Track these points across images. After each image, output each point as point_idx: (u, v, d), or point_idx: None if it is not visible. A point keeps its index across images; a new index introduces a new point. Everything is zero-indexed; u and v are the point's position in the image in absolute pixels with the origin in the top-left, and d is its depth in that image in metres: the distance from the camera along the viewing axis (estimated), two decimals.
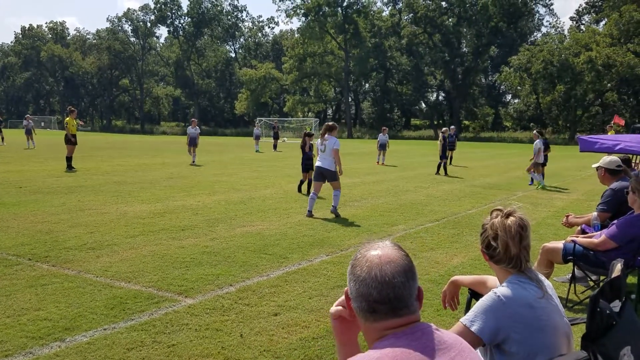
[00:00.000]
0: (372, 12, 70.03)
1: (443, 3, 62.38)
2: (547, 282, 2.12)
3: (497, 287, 2.10)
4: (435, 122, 69.45)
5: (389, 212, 9.74)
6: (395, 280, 1.29)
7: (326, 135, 9.18)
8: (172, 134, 77.40)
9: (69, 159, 16.13)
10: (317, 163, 9.30)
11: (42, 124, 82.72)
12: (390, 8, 72.92)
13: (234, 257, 6.33)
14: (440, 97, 76.23)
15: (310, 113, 76.19)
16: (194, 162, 19.66)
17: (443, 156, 17.60)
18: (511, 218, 2.12)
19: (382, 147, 22.01)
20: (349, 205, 10.49)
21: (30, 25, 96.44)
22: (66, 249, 6.47)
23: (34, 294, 4.85)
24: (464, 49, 67.19)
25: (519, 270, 2.09)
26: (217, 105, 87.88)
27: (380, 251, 1.34)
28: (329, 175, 9.14)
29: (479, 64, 65.01)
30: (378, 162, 21.95)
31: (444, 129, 19.26)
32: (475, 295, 2.73)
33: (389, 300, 1.28)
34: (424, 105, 77.09)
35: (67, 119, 16.73)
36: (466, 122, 69.11)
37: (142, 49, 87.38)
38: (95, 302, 4.66)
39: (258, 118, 56.93)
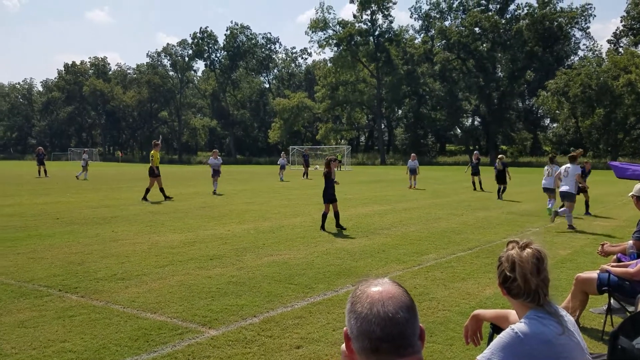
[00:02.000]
0: (404, 39, 70.43)
1: (476, 29, 62.18)
2: (568, 318, 2.01)
3: (516, 323, 2.00)
4: (471, 148, 68.46)
5: (419, 240, 9.55)
6: (398, 317, 1.22)
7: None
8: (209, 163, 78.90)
9: (147, 191, 16.42)
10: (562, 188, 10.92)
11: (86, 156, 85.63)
12: (422, 35, 73.23)
13: (259, 287, 6.29)
14: (476, 122, 75.35)
15: (342, 140, 76.47)
16: (215, 191, 19.60)
17: (499, 181, 18.31)
18: (527, 250, 2.03)
19: (413, 171, 23.33)
20: (378, 233, 10.35)
21: (73, 62, 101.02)
22: (96, 279, 6.57)
23: (61, 325, 4.92)
24: (499, 73, 66.50)
25: (537, 304, 1.99)
26: (251, 135, 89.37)
27: (380, 287, 1.28)
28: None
29: (514, 89, 64.12)
30: (410, 187, 23.00)
31: (500, 155, 20.15)
32: (497, 330, 2.62)
33: (393, 337, 1.21)
34: (459, 130, 76.33)
35: (152, 152, 17.06)
36: (503, 147, 67.87)
37: (180, 83, 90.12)
38: (120, 334, 4.68)
39: (291, 147, 57.50)
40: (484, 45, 63.30)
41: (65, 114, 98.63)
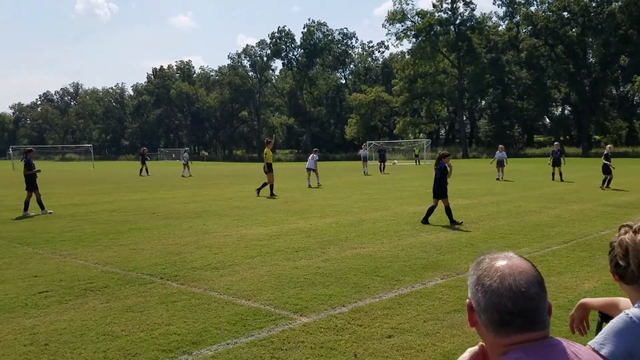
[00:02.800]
0: (486, 27, 67.75)
1: (565, 13, 58.59)
2: None
3: (630, 309, 1.90)
4: (562, 138, 64.70)
5: (510, 234, 9.20)
6: (531, 291, 1.20)
7: None
8: (287, 160, 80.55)
9: (271, 187, 17.07)
10: None
11: (173, 155, 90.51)
12: (506, 22, 69.97)
13: (345, 278, 6.37)
14: (566, 111, 71.09)
15: (421, 134, 74.97)
16: (310, 185, 21.29)
17: (605, 172, 17.70)
18: None
19: (500, 163, 23.01)
20: (465, 226, 10.09)
21: (161, 66, 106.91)
22: (193, 268, 6.95)
23: (165, 310, 5.26)
24: (591, 59, 62.23)
25: None
26: (327, 131, 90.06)
27: (508, 261, 1.26)
28: None
29: (608, 75, 59.73)
30: (498, 179, 22.70)
31: (608, 145, 19.77)
32: (606, 318, 2.49)
33: (524, 312, 1.19)
34: (547, 120, 72.30)
35: (266, 149, 17.66)
36: (596, 137, 63.55)
37: (259, 82, 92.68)
38: (219, 318, 4.93)
39: (367, 142, 57.36)
40: (574, 30, 59.49)
41: (154, 116, 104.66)
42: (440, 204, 10.66)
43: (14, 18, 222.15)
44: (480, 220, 10.84)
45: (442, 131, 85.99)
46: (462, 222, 10.43)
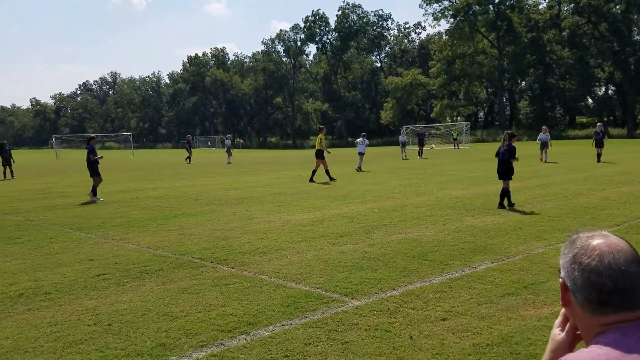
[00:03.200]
0: (527, 5, 65.50)
1: None
2: None
3: None
4: (605, 119, 62.39)
5: (558, 217, 8.99)
6: (630, 270, 1.17)
7: None
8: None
9: (327, 172, 17.48)
10: None
11: (209, 143, 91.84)
12: (548, 0, 67.60)
13: (393, 262, 6.36)
14: (610, 91, 68.39)
15: (459, 117, 73.54)
16: (359, 168, 21.94)
17: None
18: None
19: (544, 145, 23.00)
20: (511, 210, 9.90)
21: (196, 54, 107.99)
22: (241, 253, 7.08)
23: (219, 292, 5.39)
24: (636, 37, 59.54)
25: None
26: (362, 117, 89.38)
27: (605, 239, 1.24)
28: None
29: None
30: (541, 159, 22.83)
31: None
32: None
33: (625, 291, 1.17)
34: (590, 101, 69.78)
35: (320, 135, 18.03)
36: None
37: (293, 68, 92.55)
38: (272, 301, 5.02)
39: (405, 126, 56.71)
40: (618, 7, 56.90)
41: (190, 104, 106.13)
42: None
43: (52, 10, 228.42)
44: (527, 204, 10.62)
45: (481, 113, 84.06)
46: (514, 204, 10.27)
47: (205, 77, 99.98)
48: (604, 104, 66.76)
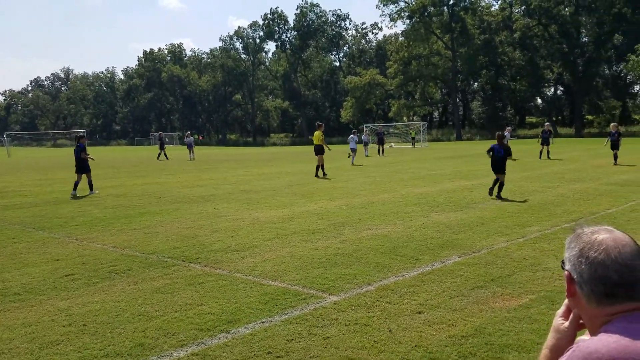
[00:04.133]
0: (480, 7, 67.43)
1: None
2: None
3: None
4: (555, 119, 65.00)
5: (517, 213, 9.36)
6: (635, 263, 1.26)
7: None
8: (282, 144, 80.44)
9: (322, 167, 17.85)
10: None
11: (167, 139, 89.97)
12: (500, 2, 69.67)
13: (366, 258, 6.49)
14: (559, 92, 71.31)
15: (415, 117, 75.02)
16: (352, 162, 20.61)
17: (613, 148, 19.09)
18: None
19: (545, 142, 23.60)
20: (472, 207, 10.24)
21: (151, 49, 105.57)
22: (213, 251, 7.05)
23: (194, 291, 5.36)
24: (584, 38, 62.24)
25: None
26: (322, 115, 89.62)
27: (610, 234, 1.32)
28: None
29: (601, 54, 59.82)
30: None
31: (612, 124, 20.92)
32: None
33: (630, 283, 1.26)
34: (540, 101, 72.54)
35: (317, 132, 18.66)
36: (589, 117, 63.94)
37: (252, 65, 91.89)
38: (249, 298, 5.04)
39: (365, 125, 57.29)
40: (567, 9, 59.39)
41: (145, 100, 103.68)
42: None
43: (2, 4, 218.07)
44: (486, 201, 11.00)
45: (436, 113, 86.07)
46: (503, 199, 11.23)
47: (162, 72, 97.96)
48: (553, 104, 69.58)
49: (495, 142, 11.99)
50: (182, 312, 4.75)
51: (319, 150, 18.07)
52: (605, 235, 1.33)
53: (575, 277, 1.34)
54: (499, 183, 11.42)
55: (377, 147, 34.04)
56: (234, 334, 4.22)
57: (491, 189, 11.54)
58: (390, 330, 4.18)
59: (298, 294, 5.13)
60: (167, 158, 33.10)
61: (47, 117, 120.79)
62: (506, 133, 24.56)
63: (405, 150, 39.90)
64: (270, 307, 4.80)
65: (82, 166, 14.34)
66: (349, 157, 25.12)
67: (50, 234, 8.61)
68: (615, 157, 19.47)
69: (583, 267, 1.31)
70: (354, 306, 4.77)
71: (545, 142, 23.20)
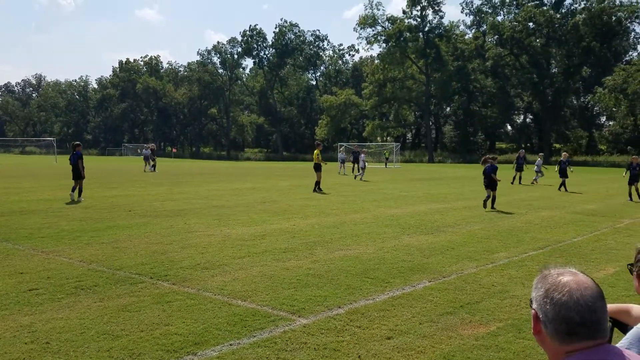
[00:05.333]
0: (454, 35, 69.24)
1: (530, 24, 60.39)
2: None
3: None
4: (523, 145, 66.69)
5: (487, 238, 9.52)
6: (596, 305, 1.36)
7: None
8: (256, 159, 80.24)
9: (317, 183, 19.19)
10: None
11: (138, 151, 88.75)
12: (474, 31, 71.71)
13: (337, 279, 6.49)
14: (528, 120, 73.28)
15: (389, 137, 76.02)
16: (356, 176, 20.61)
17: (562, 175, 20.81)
18: None
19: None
20: (443, 230, 10.37)
21: (127, 59, 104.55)
22: (182, 268, 6.94)
23: (161, 310, 5.25)
24: (554, 69, 64.36)
25: None
26: (297, 132, 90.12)
27: (574, 277, 1.41)
28: None
29: (570, 85, 61.92)
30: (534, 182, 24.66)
31: (564, 153, 22.84)
32: (617, 324, 2.66)
33: (590, 323, 1.35)
34: (510, 128, 74.45)
35: (316, 151, 20.28)
36: (557, 145, 65.77)
37: (229, 80, 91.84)
38: (218, 319, 4.97)
39: (339, 144, 57.66)
40: (538, 40, 61.41)
41: (119, 111, 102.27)
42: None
43: None
44: (457, 225, 11.15)
45: (409, 135, 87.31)
46: (495, 208, 13.82)
47: (137, 83, 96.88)
48: (522, 131, 71.47)
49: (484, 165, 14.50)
50: (148, 332, 4.65)
51: (317, 168, 19.39)
52: (569, 277, 1.42)
53: (540, 316, 1.43)
54: (492, 197, 13.84)
55: (352, 165, 34.28)
56: (201, 357, 4.15)
57: (485, 203, 13.95)
58: (359, 357, 4.18)
59: (267, 316, 5.09)
60: (154, 170, 32.90)
61: (17, 123, 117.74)
62: (539, 160, 25.68)
63: (378, 170, 40.23)
64: (239, 328, 4.74)
65: (78, 173, 15.26)
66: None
67: (15, 245, 8.34)
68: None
69: (548, 307, 1.40)
70: (324, 330, 4.75)
71: (519, 168, 24.14)
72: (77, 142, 16.32)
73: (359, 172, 32.61)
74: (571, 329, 1.36)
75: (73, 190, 15.23)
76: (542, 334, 1.44)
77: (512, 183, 23.58)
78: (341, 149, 37.84)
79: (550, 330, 1.39)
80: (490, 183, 13.92)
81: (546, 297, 1.41)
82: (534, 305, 1.46)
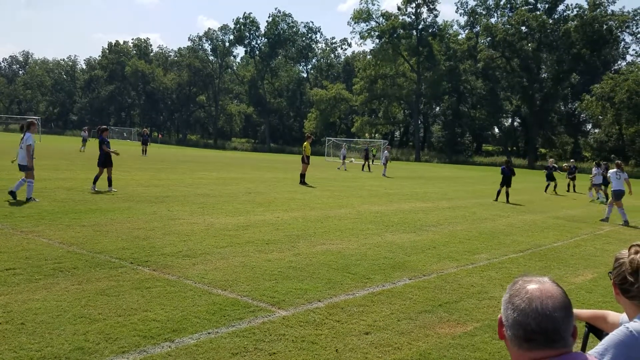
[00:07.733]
0: (447, 35, 69.43)
1: (523, 28, 60.80)
2: None
3: (629, 323, 2.10)
4: (509, 149, 67.38)
5: (468, 239, 9.61)
6: (555, 314, 1.37)
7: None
8: (243, 149, 79.85)
9: (302, 175, 19.45)
10: None
11: (125, 134, 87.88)
12: (467, 31, 71.93)
13: (318, 273, 6.51)
14: (516, 123, 73.95)
15: (377, 134, 76.13)
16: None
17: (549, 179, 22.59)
18: None
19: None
20: (426, 229, 10.45)
21: (117, 41, 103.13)
22: (163, 255, 6.90)
23: (140, 295, 5.22)
24: (544, 74, 64.97)
25: None
26: (286, 124, 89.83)
27: (540, 285, 1.43)
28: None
29: (558, 91, 62.56)
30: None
31: (551, 159, 25.83)
32: (592, 329, 2.69)
33: (547, 331, 1.36)
34: (497, 130, 75.04)
35: (305, 143, 20.26)
36: (542, 150, 66.51)
37: (219, 68, 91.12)
38: (197, 307, 4.96)
39: (327, 138, 57.68)
40: (530, 44, 61.87)
41: (106, 93, 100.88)
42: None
43: None
44: (439, 224, 11.24)
45: (397, 133, 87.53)
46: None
47: (126, 66, 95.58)
48: (509, 135, 72.07)
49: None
50: (125, 317, 4.62)
51: (306, 160, 19.65)
52: (534, 285, 1.44)
53: (504, 320, 1.47)
54: (506, 192, 16.95)
55: (340, 161, 34.51)
56: (178, 344, 4.13)
57: (497, 196, 17.19)
58: (336, 350, 4.20)
59: (247, 306, 5.09)
60: (145, 154, 33.31)
61: (1, 100, 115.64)
62: (554, 164, 24.71)
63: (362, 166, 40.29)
64: (218, 317, 4.73)
65: (104, 160, 13.68)
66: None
67: None
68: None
69: (509, 312, 1.44)
70: (303, 322, 4.76)
71: (550, 177, 23.31)
72: (104, 127, 14.63)
73: (368, 168, 33.25)
74: (528, 336, 1.38)
75: (95, 181, 13.45)
76: (505, 338, 1.47)
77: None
78: (344, 145, 38.36)
79: (510, 335, 1.42)
80: (508, 181, 16.97)
81: (508, 302, 1.45)
82: (501, 310, 1.49)
